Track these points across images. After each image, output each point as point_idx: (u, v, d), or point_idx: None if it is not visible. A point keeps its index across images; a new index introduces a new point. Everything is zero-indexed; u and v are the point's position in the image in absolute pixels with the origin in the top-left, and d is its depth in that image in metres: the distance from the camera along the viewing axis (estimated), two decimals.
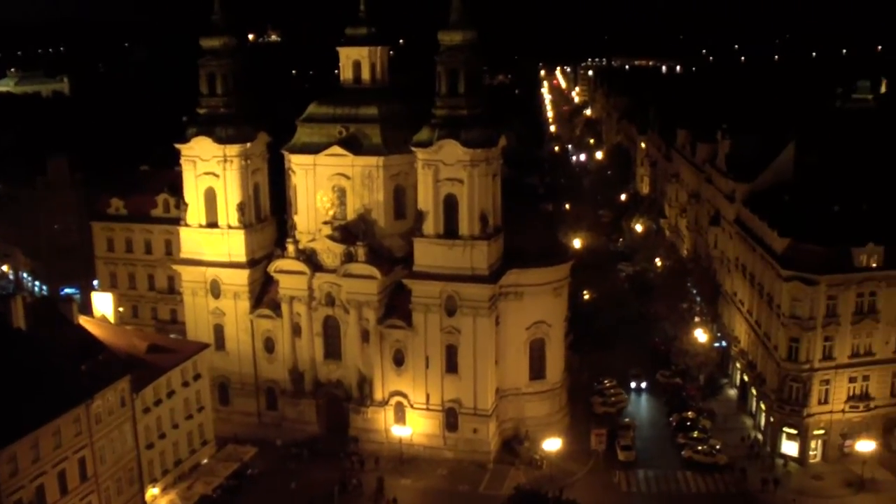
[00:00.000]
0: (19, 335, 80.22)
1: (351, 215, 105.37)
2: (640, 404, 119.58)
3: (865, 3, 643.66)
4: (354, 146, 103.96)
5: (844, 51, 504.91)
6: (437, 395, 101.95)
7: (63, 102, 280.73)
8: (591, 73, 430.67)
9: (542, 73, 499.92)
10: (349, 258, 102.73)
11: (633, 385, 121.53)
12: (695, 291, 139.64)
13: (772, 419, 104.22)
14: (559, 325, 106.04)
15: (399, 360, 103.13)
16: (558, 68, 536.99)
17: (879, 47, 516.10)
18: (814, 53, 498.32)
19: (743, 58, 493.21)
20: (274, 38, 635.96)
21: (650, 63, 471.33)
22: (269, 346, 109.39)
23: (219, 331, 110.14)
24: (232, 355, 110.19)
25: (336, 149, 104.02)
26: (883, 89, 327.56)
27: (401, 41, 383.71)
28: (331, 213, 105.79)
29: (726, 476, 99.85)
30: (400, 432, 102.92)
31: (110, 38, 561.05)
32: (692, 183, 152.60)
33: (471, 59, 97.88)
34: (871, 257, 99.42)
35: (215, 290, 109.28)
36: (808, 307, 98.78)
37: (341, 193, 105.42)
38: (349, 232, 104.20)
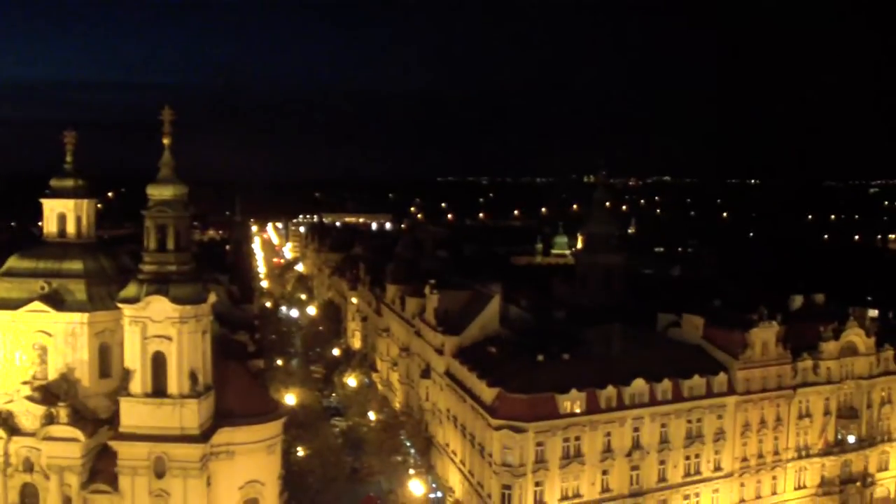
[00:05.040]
0: None
1: (53, 375, 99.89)
2: None
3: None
4: (57, 302, 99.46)
5: (543, 209, 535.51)
6: None
7: None
8: (302, 229, 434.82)
9: (255, 228, 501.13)
10: (50, 420, 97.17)
11: None
12: (408, 444, 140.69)
13: None
14: (273, 483, 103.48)
15: None
16: (270, 224, 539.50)
17: (575, 206, 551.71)
18: (516, 211, 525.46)
19: (450, 215, 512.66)
20: None
21: (361, 220, 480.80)
22: None
23: None
24: None
25: (37, 304, 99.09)
26: (579, 244, 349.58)
27: (109, 194, 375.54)
28: (30, 372, 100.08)
29: None
30: None
31: None
32: (403, 337, 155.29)
33: (180, 215, 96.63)
34: (574, 403, 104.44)
35: None
36: (518, 454, 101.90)
37: (42, 352, 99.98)
38: (50, 392, 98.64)
